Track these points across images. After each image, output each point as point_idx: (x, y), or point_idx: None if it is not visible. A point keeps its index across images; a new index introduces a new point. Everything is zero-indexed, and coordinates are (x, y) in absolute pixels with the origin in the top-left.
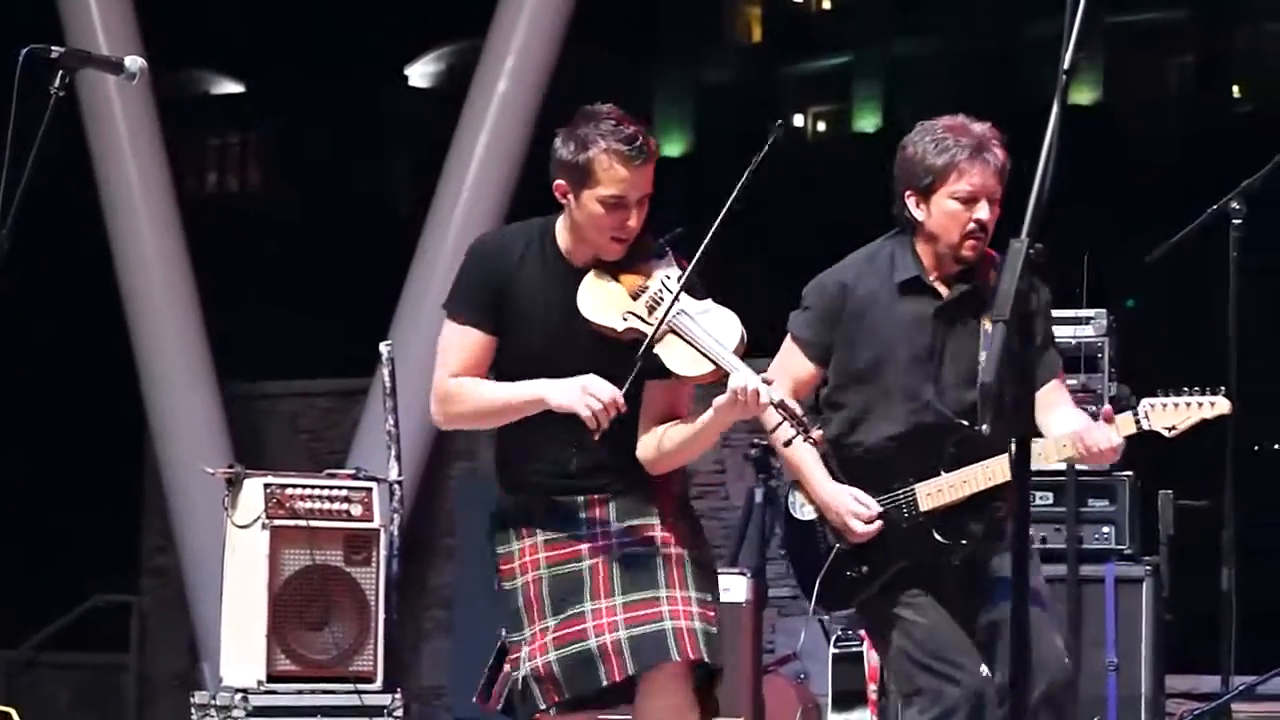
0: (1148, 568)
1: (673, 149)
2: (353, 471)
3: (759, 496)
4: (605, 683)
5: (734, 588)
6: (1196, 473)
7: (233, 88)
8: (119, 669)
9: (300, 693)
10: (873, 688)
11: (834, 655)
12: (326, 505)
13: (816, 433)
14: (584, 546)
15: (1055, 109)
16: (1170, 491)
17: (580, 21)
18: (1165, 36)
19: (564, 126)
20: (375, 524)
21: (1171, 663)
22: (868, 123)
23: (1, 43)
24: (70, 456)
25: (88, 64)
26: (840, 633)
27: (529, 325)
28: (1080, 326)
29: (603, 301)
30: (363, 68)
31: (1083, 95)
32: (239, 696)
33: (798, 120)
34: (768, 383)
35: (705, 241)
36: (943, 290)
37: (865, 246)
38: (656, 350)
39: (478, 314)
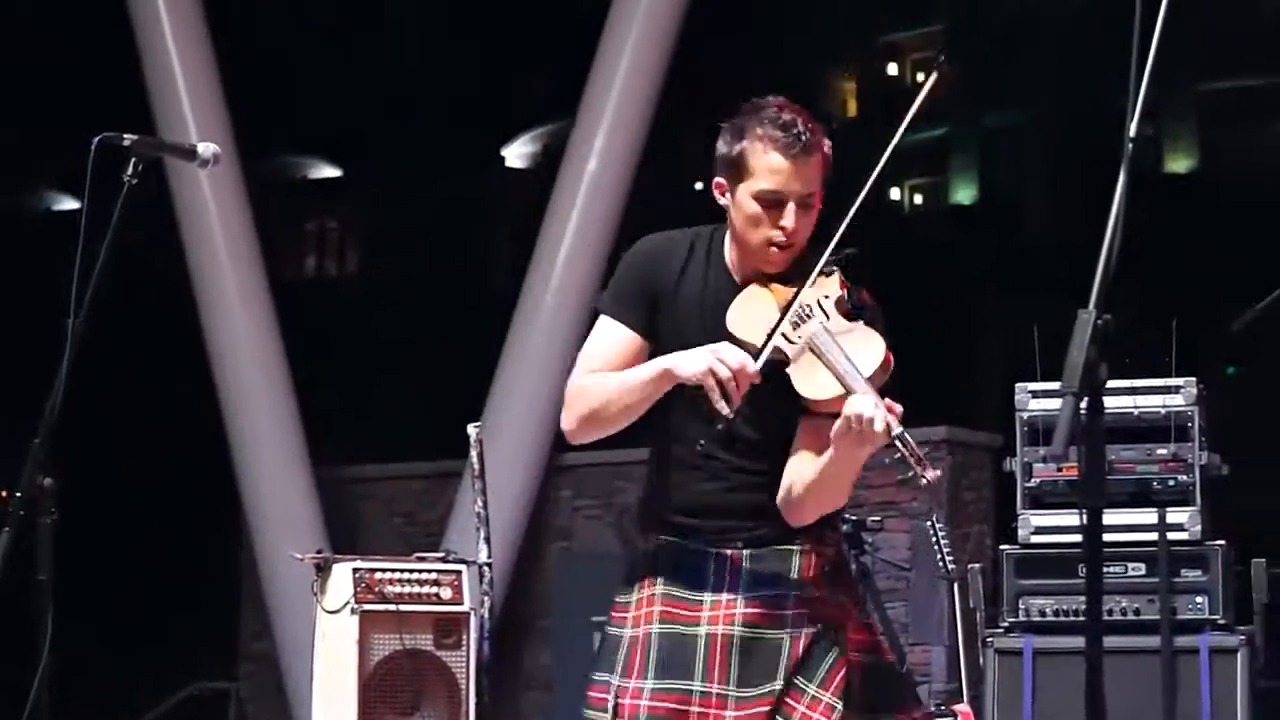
0: (1242, 637)
1: None
2: (442, 554)
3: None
4: None
5: None
6: None
7: (329, 172)
8: None
9: None
10: None
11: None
12: (416, 589)
13: (933, 474)
14: (704, 612)
15: (1122, 177)
16: (1263, 560)
17: (675, 99)
18: (1261, 103)
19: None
20: (465, 607)
21: None
22: (964, 194)
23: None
24: (167, 543)
25: (160, 151)
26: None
27: (682, 338)
28: (1170, 395)
29: (750, 317)
30: (459, 149)
31: (1179, 164)
32: None
33: (894, 194)
34: (893, 413)
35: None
36: None
37: None
38: (790, 370)
39: (630, 315)
